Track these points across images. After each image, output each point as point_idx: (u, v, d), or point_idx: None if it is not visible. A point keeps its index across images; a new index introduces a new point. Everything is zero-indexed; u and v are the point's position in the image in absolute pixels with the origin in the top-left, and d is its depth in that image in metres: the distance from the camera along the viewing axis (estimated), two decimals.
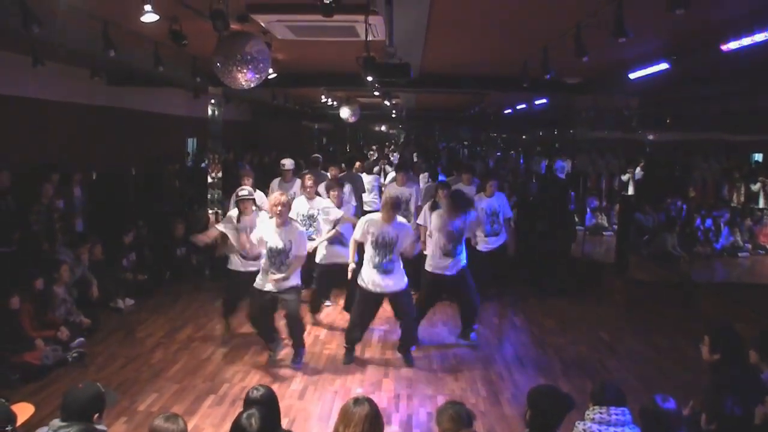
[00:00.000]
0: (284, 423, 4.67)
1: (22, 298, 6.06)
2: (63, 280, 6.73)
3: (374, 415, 2.89)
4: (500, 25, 5.93)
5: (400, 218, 6.22)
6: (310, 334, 6.96)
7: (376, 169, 16.70)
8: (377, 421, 2.90)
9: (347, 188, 8.57)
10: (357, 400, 2.94)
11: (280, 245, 5.81)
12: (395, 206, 6.05)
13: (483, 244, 7.83)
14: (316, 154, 11.02)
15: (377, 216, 6.16)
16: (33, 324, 6.07)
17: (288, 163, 8.62)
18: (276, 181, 8.66)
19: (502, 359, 6.50)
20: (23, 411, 3.00)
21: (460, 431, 3.09)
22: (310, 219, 7.63)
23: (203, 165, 13.48)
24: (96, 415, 3.10)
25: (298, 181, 8.49)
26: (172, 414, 2.97)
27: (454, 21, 5.76)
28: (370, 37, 5.54)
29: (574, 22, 5.21)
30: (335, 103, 14.38)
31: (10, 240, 7.26)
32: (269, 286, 5.87)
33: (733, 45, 5.31)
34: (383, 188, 10.06)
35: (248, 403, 3.37)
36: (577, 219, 11.79)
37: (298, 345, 6.21)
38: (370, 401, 2.95)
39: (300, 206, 7.53)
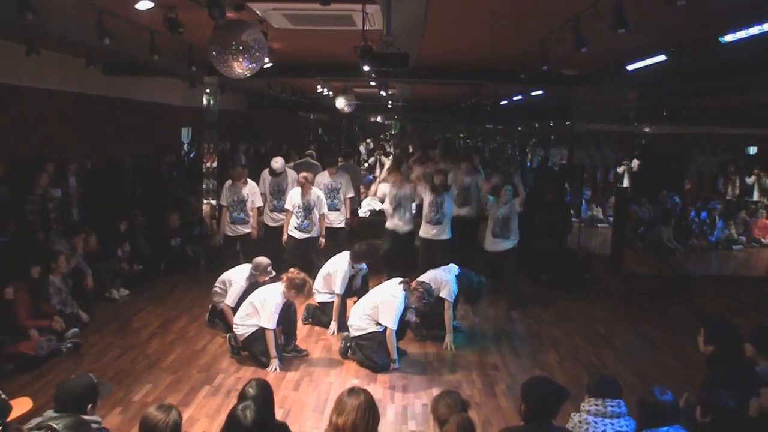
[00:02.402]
0: (279, 414, 4.68)
1: (17, 287, 6.03)
2: (60, 270, 6.68)
3: (368, 405, 2.90)
4: (499, 15, 5.89)
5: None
6: (306, 325, 6.97)
7: (371, 160, 16.64)
8: (372, 411, 2.91)
9: (345, 178, 8.51)
10: (352, 390, 2.96)
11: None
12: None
13: (491, 244, 7.83)
14: (311, 150, 10.93)
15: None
16: (28, 314, 6.04)
17: (278, 166, 8.45)
18: (266, 171, 8.56)
19: (497, 351, 6.51)
20: (21, 405, 2.99)
21: (455, 415, 3.10)
22: (306, 210, 7.66)
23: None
24: (90, 406, 3.10)
25: (291, 173, 8.48)
26: (167, 404, 2.96)
27: (452, 11, 5.72)
28: (367, 27, 5.51)
29: (573, 12, 5.18)
30: (331, 93, 14.33)
31: (4, 229, 7.23)
32: None
33: (731, 38, 5.30)
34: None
35: (243, 400, 3.37)
36: (572, 212, 11.82)
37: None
38: (365, 392, 2.96)
39: (295, 197, 7.65)
